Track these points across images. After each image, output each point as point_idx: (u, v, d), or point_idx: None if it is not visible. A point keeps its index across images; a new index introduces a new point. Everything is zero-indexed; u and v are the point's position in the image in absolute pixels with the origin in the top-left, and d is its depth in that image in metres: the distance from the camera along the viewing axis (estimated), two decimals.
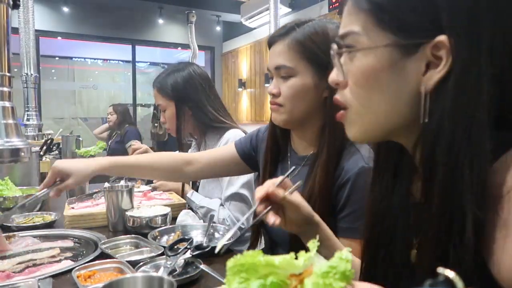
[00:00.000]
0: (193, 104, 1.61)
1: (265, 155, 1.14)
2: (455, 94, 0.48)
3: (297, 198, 0.74)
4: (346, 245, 0.92)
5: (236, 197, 1.43)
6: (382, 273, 0.63)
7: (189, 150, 1.83)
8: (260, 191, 0.71)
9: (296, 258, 0.38)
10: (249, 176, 1.46)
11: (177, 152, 1.60)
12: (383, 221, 0.64)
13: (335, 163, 0.95)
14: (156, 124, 4.20)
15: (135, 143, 1.84)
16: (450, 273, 0.33)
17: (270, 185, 0.72)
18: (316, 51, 0.95)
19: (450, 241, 0.48)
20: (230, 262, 0.36)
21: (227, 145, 1.32)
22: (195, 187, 1.65)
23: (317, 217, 0.77)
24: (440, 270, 0.33)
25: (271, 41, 1.01)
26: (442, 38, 0.48)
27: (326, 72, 0.93)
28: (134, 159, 1.24)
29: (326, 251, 0.76)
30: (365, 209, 0.68)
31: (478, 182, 0.47)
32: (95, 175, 1.11)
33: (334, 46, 0.57)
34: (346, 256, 0.36)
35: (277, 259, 0.37)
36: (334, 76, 0.59)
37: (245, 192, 1.44)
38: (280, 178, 0.74)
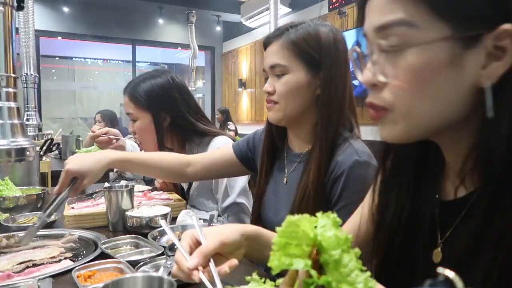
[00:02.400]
0: (172, 114, 1.49)
1: (262, 155, 1.17)
2: None
3: (213, 241, 0.67)
4: None
5: (234, 207, 1.42)
6: (398, 272, 0.61)
7: None
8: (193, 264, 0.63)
9: None
10: (244, 182, 1.46)
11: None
12: (407, 221, 0.61)
13: (328, 158, 0.98)
14: None
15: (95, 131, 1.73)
16: (450, 273, 0.33)
17: (197, 260, 0.64)
18: (308, 50, 0.99)
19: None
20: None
21: (223, 147, 1.32)
22: (186, 198, 1.58)
23: (248, 229, 0.75)
24: (440, 270, 0.33)
25: (266, 42, 1.06)
26: (508, 26, 0.44)
27: (319, 71, 0.99)
28: (142, 156, 1.27)
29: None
30: (380, 211, 0.66)
31: None
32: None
33: (357, 48, 0.52)
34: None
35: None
36: (369, 76, 0.51)
37: (242, 200, 1.44)
38: (198, 232, 0.70)
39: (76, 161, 1.11)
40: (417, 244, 0.60)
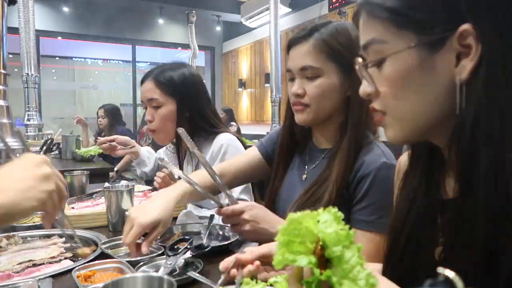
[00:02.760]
0: (193, 105, 1.49)
1: (279, 151, 1.15)
2: (489, 80, 0.48)
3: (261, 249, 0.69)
4: (359, 236, 0.94)
5: None
6: (404, 270, 0.63)
7: (161, 151, 1.78)
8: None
9: None
10: None
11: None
12: (412, 220, 0.63)
13: (353, 157, 0.98)
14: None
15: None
16: (450, 273, 0.33)
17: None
18: (341, 50, 0.98)
19: (494, 237, 0.47)
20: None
21: (247, 151, 1.29)
22: None
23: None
24: (440, 270, 0.33)
25: (292, 43, 1.02)
26: (466, 26, 0.48)
27: (350, 71, 0.96)
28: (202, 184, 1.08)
29: None
30: (394, 208, 0.69)
31: None
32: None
33: (359, 60, 0.57)
34: None
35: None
36: (364, 88, 0.59)
37: (245, 197, 1.43)
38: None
39: (142, 211, 0.94)
40: (421, 243, 0.61)
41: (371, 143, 0.99)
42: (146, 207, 0.95)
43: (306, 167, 1.11)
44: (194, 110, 1.50)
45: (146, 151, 1.81)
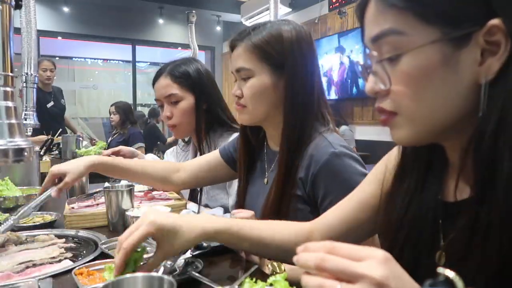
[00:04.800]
0: (210, 99, 1.50)
1: (239, 157, 1.18)
2: None
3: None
4: None
5: None
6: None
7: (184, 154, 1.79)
8: None
9: None
10: None
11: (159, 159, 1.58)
12: (409, 222, 0.61)
13: (295, 156, 0.99)
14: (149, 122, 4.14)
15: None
16: (450, 273, 0.33)
17: None
18: (271, 52, 1.00)
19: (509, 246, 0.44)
20: None
21: (210, 154, 1.32)
22: (196, 193, 1.59)
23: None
24: (440, 270, 0.33)
25: (231, 46, 1.08)
26: (496, 21, 0.45)
27: (283, 72, 1.00)
28: (126, 163, 1.29)
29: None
30: (385, 207, 0.67)
31: None
32: (89, 171, 1.22)
33: (373, 53, 0.52)
34: None
35: None
36: (371, 85, 0.53)
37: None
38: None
39: (61, 164, 1.19)
40: (420, 246, 0.59)
41: (318, 136, 0.99)
42: (65, 163, 1.20)
43: (266, 171, 1.12)
44: (211, 104, 1.51)
45: (151, 158, 1.80)
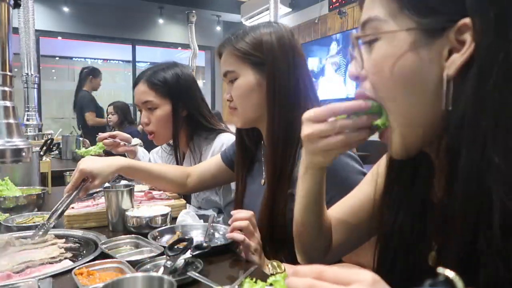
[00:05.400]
0: (189, 105, 1.49)
1: (236, 159, 1.20)
2: (478, 80, 0.46)
3: None
4: None
5: None
6: (398, 276, 0.61)
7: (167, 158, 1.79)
8: None
9: None
10: None
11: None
12: (401, 225, 0.62)
13: (289, 154, 1.00)
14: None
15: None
16: (450, 273, 0.33)
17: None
18: (251, 51, 1.03)
19: (476, 239, 0.46)
20: None
21: (214, 156, 1.33)
22: (187, 197, 1.59)
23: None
24: (440, 270, 0.33)
25: (218, 53, 1.13)
26: (466, 20, 0.47)
27: (264, 69, 1.02)
28: (149, 166, 1.32)
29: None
30: (378, 214, 0.68)
31: (508, 172, 0.43)
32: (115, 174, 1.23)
33: (353, 33, 0.55)
34: None
35: None
36: (352, 69, 0.56)
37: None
38: None
39: (90, 162, 1.17)
40: (412, 248, 0.60)
41: None
42: (93, 160, 1.20)
43: (264, 172, 1.12)
44: (190, 110, 1.50)
45: (141, 152, 1.81)
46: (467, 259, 0.48)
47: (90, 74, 5.07)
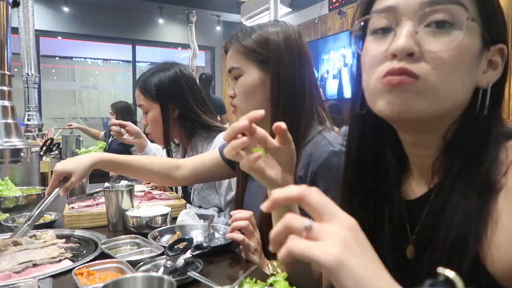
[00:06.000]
0: (180, 105, 1.53)
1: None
2: (498, 98, 0.56)
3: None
4: None
5: None
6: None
7: (174, 156, 1.80)
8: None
9: None
10: None
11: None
12: (373, 222, 0.64)
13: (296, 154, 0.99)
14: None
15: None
16: (450, 273, 0.33)
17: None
18: (257, 49, 1.03)
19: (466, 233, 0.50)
20: None
21: (212, 150, 1.33)
22: (188, 194, 1.61)
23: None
24: (440, 270, 0.33)
25: (225, 49, 1.12)
26: (501, 46, 0.56)
27: (269, 67, 1.01)
28: (129, 159, 1.29)
29: None
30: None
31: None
32: (93, 169, 1.20)
33: (427, 14, 0.52)
34: None
35: None
36: (410, 43, 0.51)
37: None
38: None
39: (64, 162, 1.18)
40: (390, 243, 0.62)
41: (318, 134, 1.00)
42: (67, 159, 1.19)
43: None
44: (182, 109, 1.53)
45: (153, 147, 1.80)
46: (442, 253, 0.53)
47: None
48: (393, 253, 0.61)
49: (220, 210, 1.47)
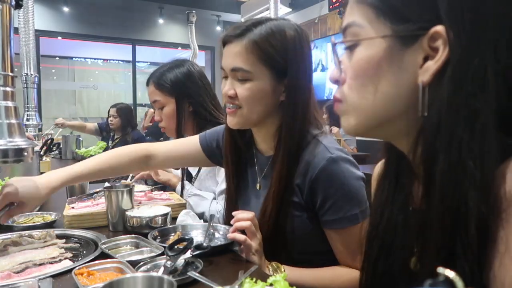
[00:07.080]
0: (194, 100, 1.58)
1: (225, 162, 1.13)
2: (452, 86, 0.47)
3: None
4: (336, 236, 0.95)
5: None
6: (381, 282, 0.62)
7: None
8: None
9: None
10: None
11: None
12: (383, 231, 0.63)
13: (293, 161, 0.96)
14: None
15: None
16: (450, 273, 0.33)
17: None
18: (273, 54, 0.93)
19: (453, 244, 0.46)
20: None
21: (189, 137, 1.30)
22: (191, 178, 1.64)
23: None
24: (440, 270, 0.33)
25: (226, 40, 0.98)
26: (439, 28, 0.47)
27: (284, 77, 0.94)
28: (92, 165, 1.13)
29: None
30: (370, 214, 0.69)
31: (483, 178, 0.44)
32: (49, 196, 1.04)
33: (332, 39, 0.57)
34: None
35: None
36: (333, 73, 0.58)
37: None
38: None
39: (18, 186, 0.98)
40: (395, 254, 0.61)
41: (312, 140, 0.96)
42: (22, 185, 0.98)
43: (258, 176, 1.09)
44: (195, 105, 1.58)
45: (175, 172, 1.80)
46: (444, 264, 0.48)
47: None
48: (399, 262, 0.60)
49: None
